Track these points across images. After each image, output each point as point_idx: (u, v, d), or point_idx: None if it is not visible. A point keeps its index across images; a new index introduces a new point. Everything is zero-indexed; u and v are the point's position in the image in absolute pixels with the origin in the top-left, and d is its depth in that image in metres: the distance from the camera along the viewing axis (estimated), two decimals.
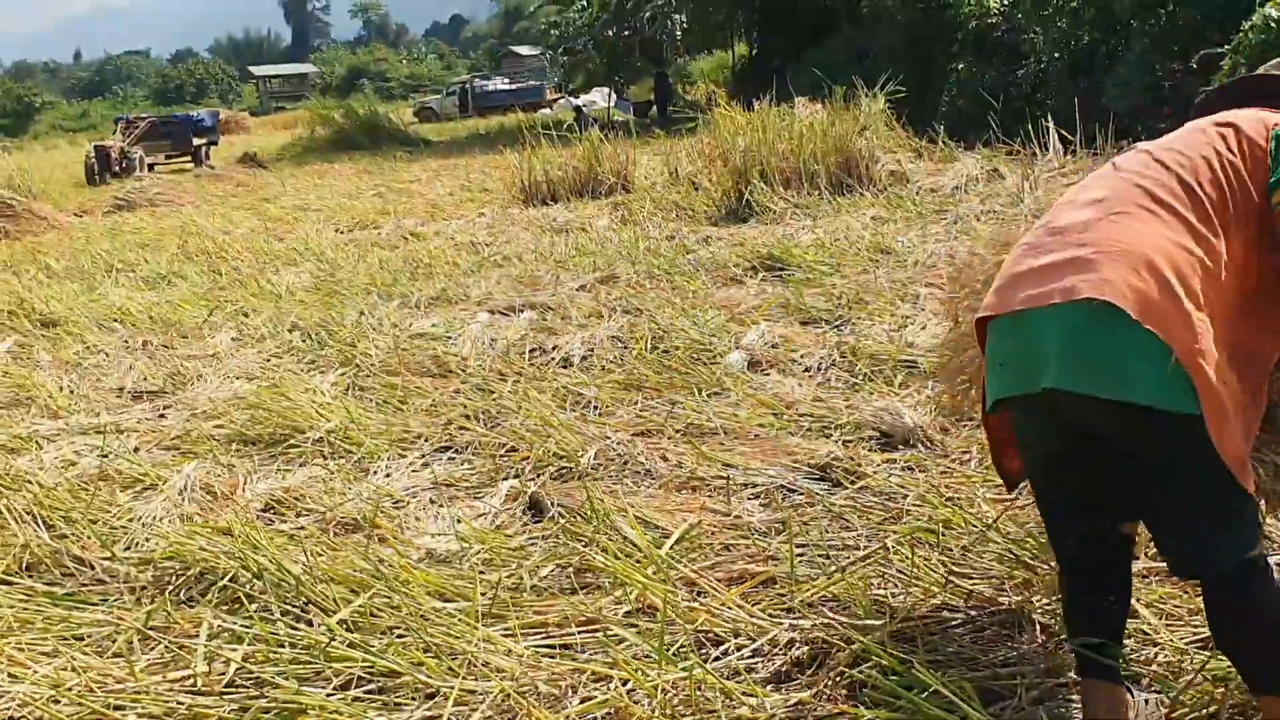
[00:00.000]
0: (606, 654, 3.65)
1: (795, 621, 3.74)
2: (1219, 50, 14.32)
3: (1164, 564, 3.60)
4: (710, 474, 5.21)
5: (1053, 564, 3.84)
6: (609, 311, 8.49)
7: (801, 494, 4.94)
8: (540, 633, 3.88)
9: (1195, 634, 3.49)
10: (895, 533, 4.38)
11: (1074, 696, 3.21)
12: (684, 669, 3.39)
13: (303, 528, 5.05)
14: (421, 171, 24.19)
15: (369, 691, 3.57)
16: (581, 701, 3.41)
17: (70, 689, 3.68)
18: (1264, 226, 2.86)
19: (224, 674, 3.72)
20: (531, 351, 7.70)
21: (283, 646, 3.81)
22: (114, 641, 4.06)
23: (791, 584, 3.99)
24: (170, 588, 4.51)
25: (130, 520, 5.23)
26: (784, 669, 3.52)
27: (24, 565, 4.79)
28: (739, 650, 3.63)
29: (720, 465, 5.28)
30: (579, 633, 3.85)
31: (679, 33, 44.51)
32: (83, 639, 4.11)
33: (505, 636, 3.79)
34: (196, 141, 33.10)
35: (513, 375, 7.17)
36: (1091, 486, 2.96)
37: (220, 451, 6.18)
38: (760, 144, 13.86)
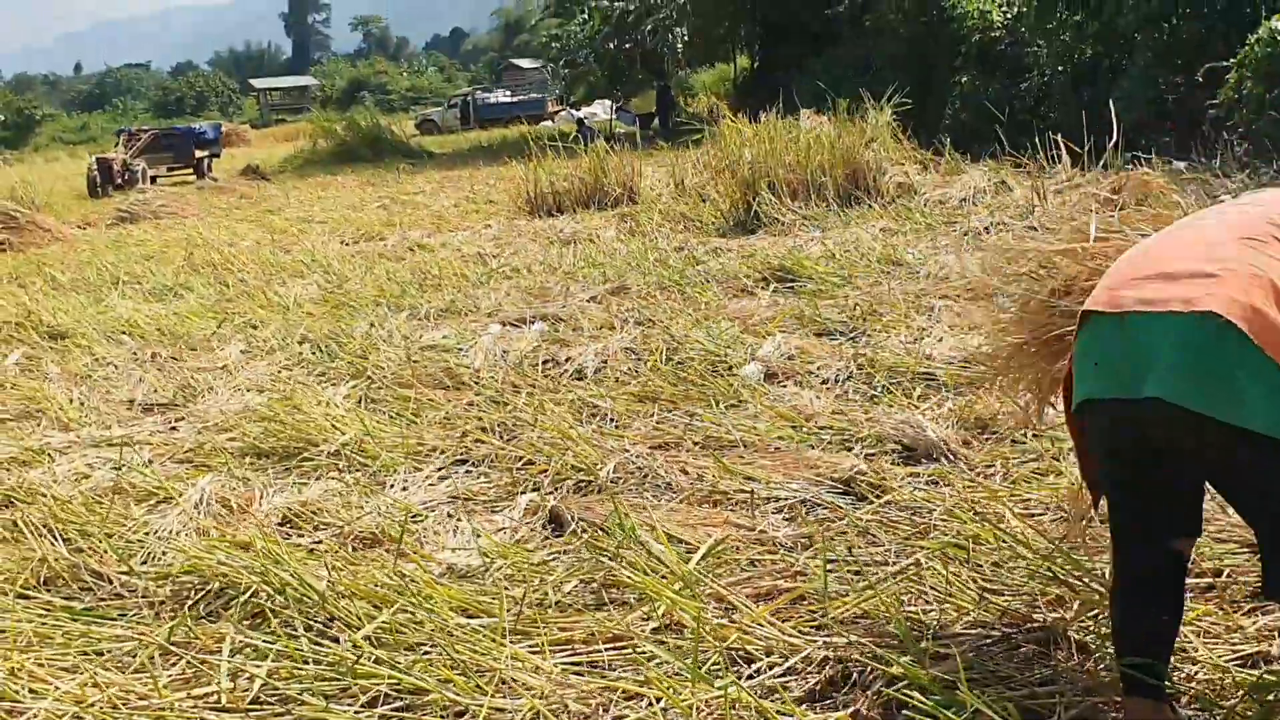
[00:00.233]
0: (637, 671, 3.61)
1: (828, 639, 3.69)
2: (1224, 64, 14.32)
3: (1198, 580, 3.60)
4: (732, 488, 5.16)
5: (1088, 581, 3.81)
6: (621, 323, 8.45)
7: (826, 508, 4.90)
8: (566, 649, 3.84)
9: (1234, 651, 3.45)
10: (924, 548, 4.33)
11: (1114, 715, 3.16)
12: (720, 688, 3.34)
13: (320, 541, 5.00)
14: (425, 183, 24.15)
15: (396, 709, 3.53)
16: None
17: (93, 705, 3.64)
18: None
19: (249, 691, 3.67)
20: (544, 363, 7.66)
21: (307, 663, 3.76)
22: (135, 657, 4.02)
23: (823, 601, 3.94)
24: (190, 603, 4.47)
25: (146, 534, 5.18)
26: (818, 688, 3.48)
27: (41, 579, 4.74)
28: (771, 668, 3.59)
29: (742, 479, 5.23)
30: (606, 650, 3.80)
31: (680, 45, 44.50)
32: (102, 654, 4.06)
33: (533, 653, 3.75)
34: (199, 154, 33.03)
35: (526, 387, 7.13)
36: (1172, 502, 2.92)
37: (235, 464, 6.13)
38: (767, 155, 13.83)
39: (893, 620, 3.71)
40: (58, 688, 3.75)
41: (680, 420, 6.23)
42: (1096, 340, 2.93)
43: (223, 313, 10.42)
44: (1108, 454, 3.03)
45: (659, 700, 3.41)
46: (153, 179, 30.04)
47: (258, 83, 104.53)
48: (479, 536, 4.84)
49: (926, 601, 3.93)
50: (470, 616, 4.06)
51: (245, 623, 4.17)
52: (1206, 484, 3.03)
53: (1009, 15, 20.94)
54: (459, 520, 5.11)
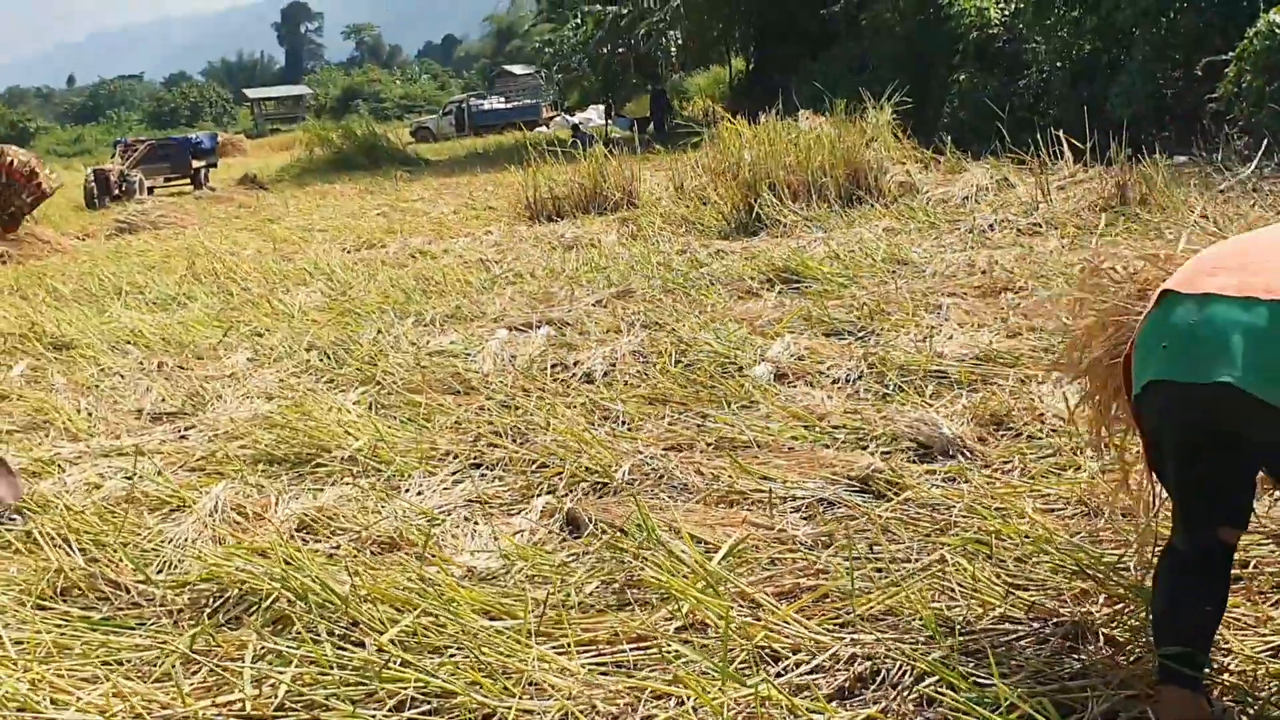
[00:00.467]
0: (663, 671, 3.59)
1: (855, 636, 3.67)
2: (1222, 57, 14.34)
3: None
4: (749, 487, 5.15)
5: (1113, 575, 3.80)
6: (627, 326, 8.43)
7: (844, 507, 4.88)
8: (591, 650, 3.82)
9: (1265, 643, 3.44)
10: (945, 545, 4.32)
11: (1145, 709, 3.15)
12: (751, 685, 3.32)
13: (338, 547, 4.98)
14: (423, 190, 24.13)
15: (424, 713, 3.52)
16: None
17: (116, 715, 3.62)
18: None
19: (273, 697, 3.65)
20: (553, 367, 7.64)
21: (332, 668, 3.74)
22: (157, 666, 4.00)
23: (849, 598, 3.92)
24: (208, 610, 4.45)
25: (161, 543, 5.16)
26: (847, 685, 3.46)
27: (58, 590, 4.72)
28: (798, 666, 3.57)
29: (758, 479, 5.21)
30: (631, 650, 3.79)
31: (674, 49, 44.51)
32: (123, 664, 4.04)
33: (559, 654, 3.73)
34: (195, 164, 33.02)
35: (536, 391, 7.11)
36: (1228, 488, 2.90)
37: (248, 472, 6.11)
38: (767, 157, 13.82)
39: (921, 617, 3.70)
40: (80, 698, 3.74)
41: (692, 422, 6.22)
42: (1169, 321, 2.91)
43: (228, 321, 10.39)
44: (1170, 437, 2.99)
45: (687, 700, 3.39)
46: (150, 190, 30.00)
47: (251, 92, 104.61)
48: (498, 539, 4.84)
49: (951, 597, 3.92)
50: (493, 619, 4.05)
51: (266, 629, 4.16)
52: None
53: (1006, 12, 20.98)
54: (476, 524, 5.10)
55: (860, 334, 7.61)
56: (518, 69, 75.40)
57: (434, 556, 4.64)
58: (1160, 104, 16.19)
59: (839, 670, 3.52)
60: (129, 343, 9.79)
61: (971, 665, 3.42)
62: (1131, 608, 3.68)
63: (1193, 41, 15.79)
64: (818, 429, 5.86)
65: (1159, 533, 4.02)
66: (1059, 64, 18.78)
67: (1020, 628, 3.66)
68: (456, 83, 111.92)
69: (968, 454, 5.32)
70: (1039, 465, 5.10)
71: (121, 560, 4.93)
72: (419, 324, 9.55)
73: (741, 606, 3.98)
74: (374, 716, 3.49)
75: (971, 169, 14.09)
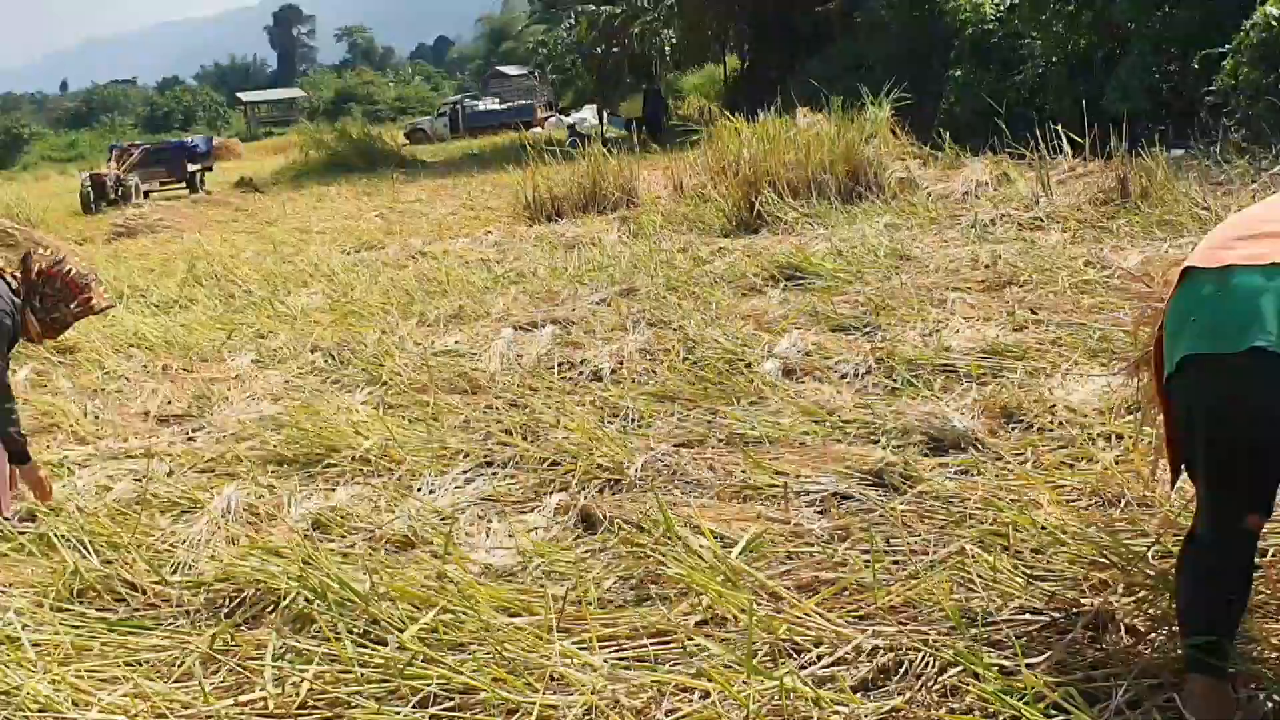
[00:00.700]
0: (687, 665, 3.60)
1: (877, 628, 3.68)
2: (1219, 50, 14.36)
3: None
4: (762, 482, 5.15)
5: (1131, 564, 3.81)
6: (633, 324, 8.43)
7: (859, 500, 4.89)
8: (612, 645, 3.83)
9: None
10: (961, 537, 4.33)
11: (1170, 697, 3.15)
12: (775, 678, 3.33)
13: (353, 546, 4.99)
14: (420, 192, 24.12)
15: (448, 709, 3.52)
16: (667, 714, 3.36)
17: (137, 716, 3.63)
18: None
19: (295, 696, 3.66)
20: (559, 365, 7.65)
21: (354, 666, 3.75)
22: (177, 666, 4.01)
23: (869, 590, 3.93)
24: (224, 610, 4.46)
25: (175, 544, 5.17)
26: (870, 677, 3.47)
27: (75, 592, 4.72)
28: (820, 659, 3.58)
29: (771, 473, 5.22)
30: (651, 644, 3.79)
31: (668, 48, 44.53)
32: (142, 664, 4.05)
33: (580, 650, 3.74)
34: (191, 167, 33.01)
35: (544, 390, 7.12)
36: (1262, 467, 2.89)
37: (258, 473, 6.11)
38: (767, 155, 13.83)
39: (943, 607, 3.71)
40: (102, 699, 3.74)
41: (702, 418, 6.23)
42: (1195, 297, 2.91)
43: (231, 324, 10.39)
44: (1203, 414, 2.96)
45: (711, 694, 3.40)
46: (146, 194, 30.02)
47: (245, 96, 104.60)
48: (513, 536, 4.84)
49: (970, 589, 3.92)
50: (512, 615, 4.05)
51: (286, 628, 4.16)
52: None
53: (1002, 7, 20.99)
54: (490, 522, 5.10)
55: (866, 329, 7.62)
56: (511, 70, 75.34)
57: (447, 554, 4.64)
58: (1156, 97, 16.20)
59: (861, 662, 3.53)
60: (133, 346, 9.78)
61: (994, 656, 3.43)
62: (1151, 596, 3.68)
63: (1189, 35, 15.80)
64: (828, 423, 5.87)
65: (1177, 522, 4.05)
66: (1055, 59, 18.81)
67: (1041, 618, 3.66)
68: (450, 84, 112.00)
69: (979, 447, 5.33)
70: (1052, 457, 5.10)
71: (136, 562, 4.93)
72: (423, 324, 9.55)
73: (761, 600, 3.98)
74: (398, 713, 3.50)
75: (970, 164, 14.11)
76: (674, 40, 43.34)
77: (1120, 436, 5.19)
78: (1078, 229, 10.13)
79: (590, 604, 4.11)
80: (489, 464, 5.93)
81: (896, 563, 4.22)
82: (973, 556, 4.09)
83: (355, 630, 4.02)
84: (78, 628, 4.35)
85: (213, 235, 18.96)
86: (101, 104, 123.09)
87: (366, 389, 7.61)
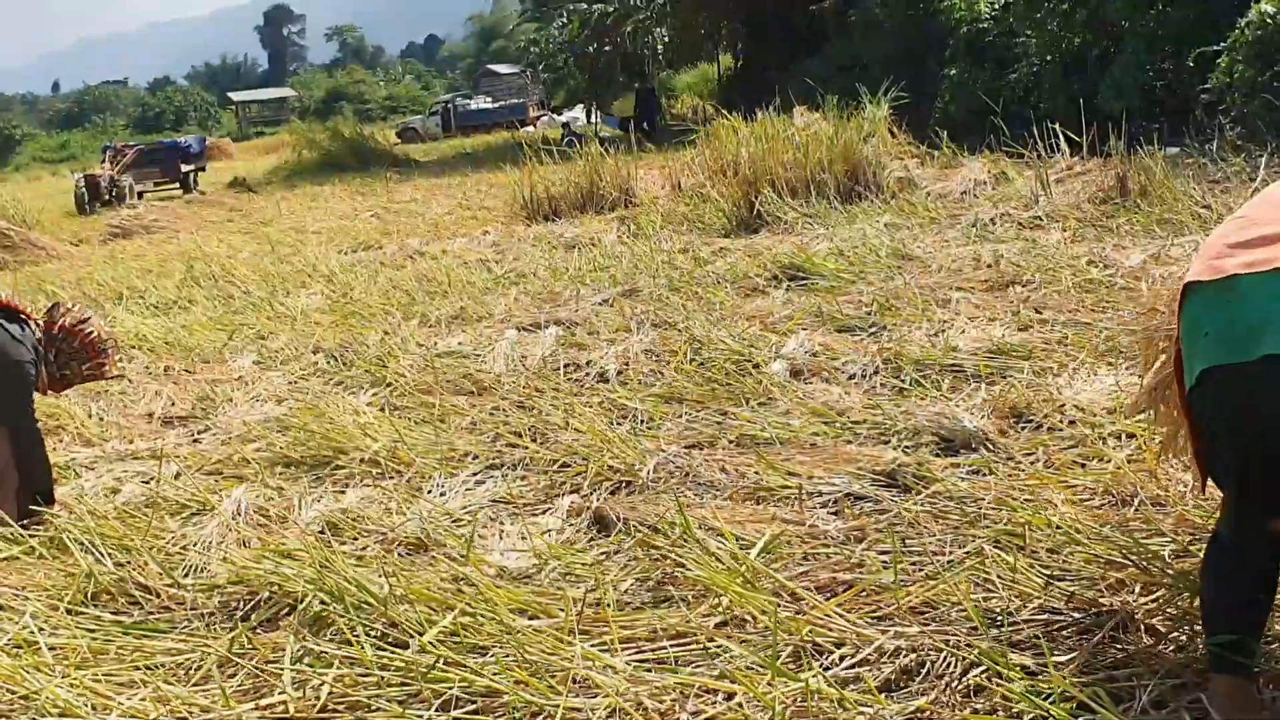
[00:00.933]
0: (709, 667, 3.61)
1: (898, 629, 3.68)
2: (1213, 48, 14.39)
3: None
4: (775, 484, 5.16)
5: (1148, 563, 3.82)
6: (637, 325, 8.43)
7: (873, 501, 4.90)
8: (632, 647, 3.83)
9: None
10: (977, 537, 4.34)
11: (1196, 698, 3.16)
12: (801, 679, 3.34)
13: (365, 548, 4.99)
14: (415, 191, 24.11)
15: (470, 712, 3.52)
16: (692, 715, 3.37)
17: None
18: None
19: (316, 699, 3.66)
20: (565, 367, 7.65)
21: (374, 669, 3.75)
22: (194, 669, 4.01)
23: (889, 591, 3.94)
24: (239, 613, 4.46)
25: (186, 546, 5.16)
26: (893, 677, 3.47)
27: (89, 595, 4.72)
28: (842, 660, 3.58)
29: (784, 475, 5.22)
30: (672, 646, 3.79)
31: (661, 46, 44.49)
32: (158, 668, 4.04)
33: (602, 652, 3.74)
34: (185, 168, 32.94)
35: (550, 391, 7.12)
36: None
37: (267, 474, 6.11)
38: (766, 154, 13.84)
39: (964, 607, 3.71)
40: (121, 703, 3.74)
41: (712, 419, 6.23)
42: (1204, 310, 2.93)
43: (231, 325, 10.38)
44: (1225, 423, 2.99)
45: (734, 696, 3.41)
46: (140, 195, 29.98)
47: (236, 96, 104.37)
48: (526, 538, 4.85)
49: (988, 590, 3.93)
50: (531, 618, 4.06)
51: (300, 631, 4.16)
52: None
53: (996, 6, 21.02)
54: (503, 524, 5.10)
55: (872, 329, 7.63)
56: (502, 68, 75.22)
57: (464, 557, 4.64)
58: (1151, 96, 16.24)
59: (884, 663, 3.53)
60: (134, 347, 9.76)
61: (1017, 656, 3.44)
62: (1169, 596, 3.69)
63: (1183, 32, 15.83)
64: (838, 424, 5.88)
65: (1193, 520, 4.06)
66: (1049, 57, 18.82)
67: (1061, 618, 3.67)
68: (440, 83, 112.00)
69: (990, 447, 5.33)
70: (1063, 457, 5.11)
71: (148, 564, 4.92)
72: (425, 325, 9.55)
73: (782, 602, 3.98)
74: (421, 717, 3.50)
75: (968, 163, 14.15)
76: (666, 39, 43.32)
77: (1131, 436, 5.20)
78: (1078, 228, 10.14)
79: (609, 606, 4.11)
80: (498, 466, 5.93)
81: (914, 563, 4.22)
82: (991, 557, 4.10)
83: (374, 633, 4.03)
84: (93, 631, 4.35)
85: (209, 236, 18.95)
86: (93, 105, 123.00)
87: (371, 390, 7.61)
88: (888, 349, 6.97)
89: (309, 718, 3.60)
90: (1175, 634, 3.52)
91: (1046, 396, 5.86)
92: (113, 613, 4.58)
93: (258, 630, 4.27)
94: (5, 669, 3.89)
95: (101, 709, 3.72)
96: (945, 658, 3.47)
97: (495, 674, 3.61)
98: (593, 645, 3.80)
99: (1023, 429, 5.57)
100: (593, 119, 42.33)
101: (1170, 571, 3.81)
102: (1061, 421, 5.54)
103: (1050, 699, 3.11)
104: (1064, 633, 3.60)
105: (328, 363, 8.56)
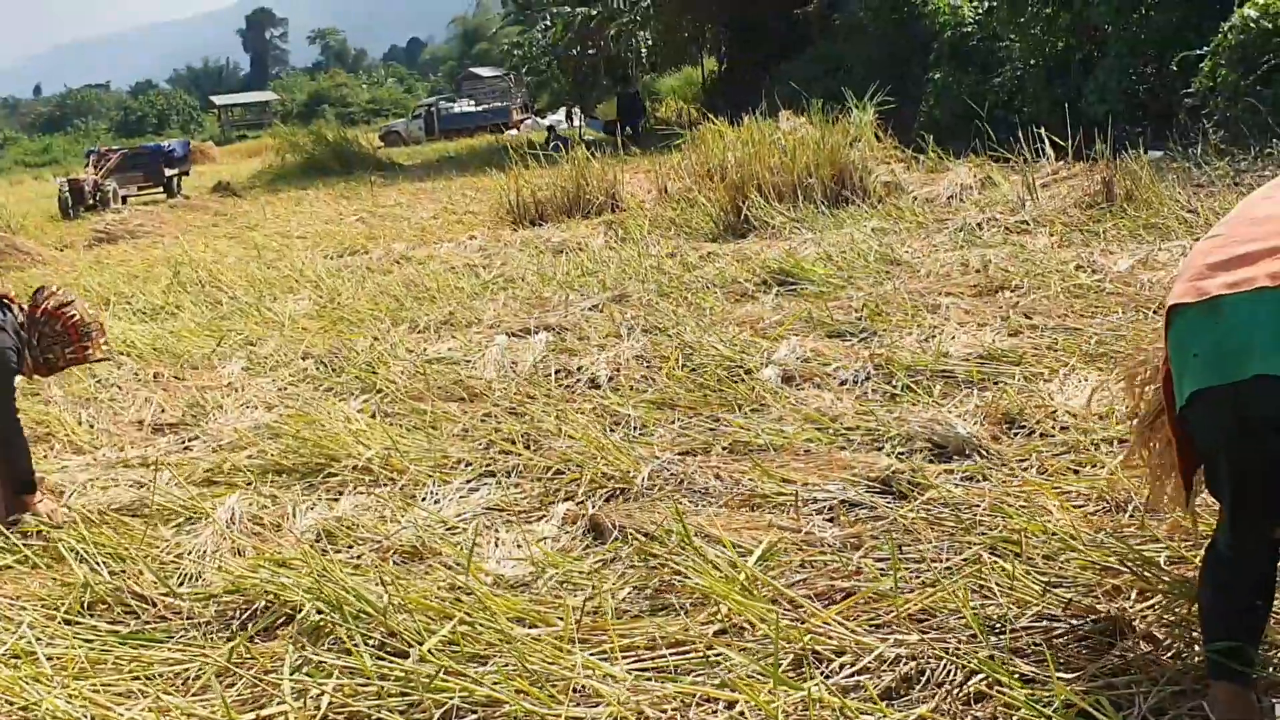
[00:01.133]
0: (710, 675, 3.62)
1: (897, 636, 3.70)
2: (1196, 52, 14.46)
3: None
4: (770, 491, 5.17)
5: (1144, 569, 3.84)
6: (627, 331, 8.44)
7: (868, 508, 4.91)
8: (631, 656, 3.84)
9: None
10: (973, 544, 4.36)
11: (1194, 704, 3.18)
12: (804, 689, 3.35)
13: (360, 557, 4.99)
14: (400, 195, 24.05)
15: None
16: None
17: None
18: None
19: (316, 710, 3.66)
20: (556, 373, 7.65)
21: (374, 679, 3.75)
22: (194, 679, 4.01)
23: (889, 598, 3.96)
24: (236, 623, 4.46)
25: (181, 555, 5.16)
26: (893, 685, 3.49)
27: (85, 604, 4.71)
28: (843, 669, 3.60)
29: (779, 482, 5.24)
30: (671, 655, 3.80)
31: (644, 50, 44.49)
32: (156, 678, 4.04)
33: (600, 660, 3.75)
34: (168, 172, 32.82)
35: (542, 397, 7.12)
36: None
37: (259, 482, 6.10)
38: (753, 158, 13.86)
39: (964, 615, 3.73)
40: (120, 714, 3.74)
41: (704, 426, 6.24)
42: (1190, 332, 2.96)
43: (219, 331, 10.35)
44: (1220, 442, 3.02)
45: (735, 704, 3.42)
46: (124, 199, 29.88)
47: (218, 99, 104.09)
48: (521, 546, 4.85)
49: (986, 596, 3.95)
50: (530, 626, 4.06)
51: (296, 641, 4.16)
52: None
53: (980, 10, 21.07)
54: (498, 532, 5.11)
55: (863, 335, 7.64)
56: (485, 71, 75.15)
57: (464, 566, 4.64)
58: (1133, 100, 16.30)
59: (884, 671, 3.55)
60: (122, 353, 9.73)
61: (1016, 663, 3.46)
62: (1166, 602, 3.72)
63: (1166, 37, 15.90)
64: (832, 430, 5.89)
65: (1185, 526, 4.08)
66: (1033, 61, 18.87)
67: (1059, 625, 3.69)
68: (423, 86, 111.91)
69: (984, 453, 5.35)
70: (1056, 463, 5.14)
71: (143, 573, 4.92)
72: (414, 331, 9.55)
73: (781, 609, 3.99)
74: None
75: (954, 168, 14.18)
76: (650, 42, 43.33)
77: (1124, 441, 5.22)
78: (1065, 232, 10.18)
79: (607, 614, 4.12)
80: (492, 473, 5.93)
81: (912, 570, 4.24)
82: (988, 564, 4.12)
83: (372, 643, 4.03)
84: (90, 641, 4.35)
85: (194, 240, 18.87)
86: (75, 108, 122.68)
87: (362, 397, 7.60)
88: (879, 354, 6.99)
89: None
90: (1173, 640, 3.54)
91: (1038, 402, 5.88)
92: (109, 622, 4.58)
93: (255, 640, 4.27)
94: (4, 680, 3.89)
95: (101, 719, 3.73)
96: (945, 665, 3.49)
97: (496, 683, 3.62)
98: (592, 654, 3.81)
99: (1015, 435, 5.59)
100: (574, 122, 42.26)
101: (1166, 578, 3.83)
102: (1054, 427, 5.56)
103: (1053, 707, 3.13)
104: (1062, 639, 3.62)
105: (317, 369, 8.55)
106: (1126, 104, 16.15)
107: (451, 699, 3.59)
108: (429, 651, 3.83)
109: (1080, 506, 4.65)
